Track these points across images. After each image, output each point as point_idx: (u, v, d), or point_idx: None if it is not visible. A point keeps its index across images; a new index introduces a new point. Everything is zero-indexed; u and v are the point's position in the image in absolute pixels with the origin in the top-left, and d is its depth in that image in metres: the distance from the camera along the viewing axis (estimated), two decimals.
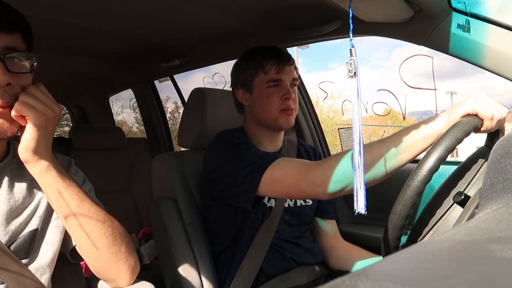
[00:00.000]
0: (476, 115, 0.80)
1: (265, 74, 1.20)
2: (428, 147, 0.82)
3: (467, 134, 0.76)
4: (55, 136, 2.70)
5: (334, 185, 0.90)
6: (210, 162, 1.19)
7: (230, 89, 1.32)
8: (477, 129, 0.80)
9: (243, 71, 1.25)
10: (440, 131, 0.81)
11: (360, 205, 0.72)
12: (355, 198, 0.73)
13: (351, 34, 0.72)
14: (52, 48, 1.69)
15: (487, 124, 0.80)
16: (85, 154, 2.25)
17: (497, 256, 0.24)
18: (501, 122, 0.82)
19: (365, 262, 1.24)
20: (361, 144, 0.72)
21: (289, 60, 1.22)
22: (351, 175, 0.83)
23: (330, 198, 0.95)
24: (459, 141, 0.75)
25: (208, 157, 1.20)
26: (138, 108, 2.52)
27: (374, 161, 0.87)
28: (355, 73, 0.70)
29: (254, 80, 1.22)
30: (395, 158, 0.86)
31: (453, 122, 0.79)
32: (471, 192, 0.78)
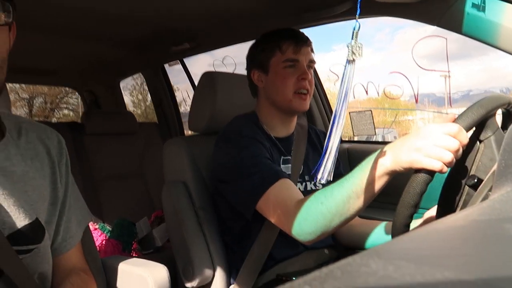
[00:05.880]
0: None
1: (282, 54, 1.19)
2: (384, 185, 0.82)
3: (424, 191, 0.74)
4: (67, 121, 2.70)
5: (309, 236, 0.95)
6: (217, 158, 1.19)
7: (238, 73, 1.32)
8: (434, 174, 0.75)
9: (260, 52, 1.24)
10: (388, 171, 0.80)
11: (324, 174, 0.72)
12: (322, 166, 0.72)
13: (357, 16, 0.70)
14: (63, 32, 1.69)
15: (444, 170, 0.73)
16: (98, 139, 2.28)
17: (511, 235, 0.23)
18: (458, 155, 0.74)
19: (379, 231, 1.23)
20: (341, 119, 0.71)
21: (307, 41, 1.22)
22: (323, 224, 0.90)
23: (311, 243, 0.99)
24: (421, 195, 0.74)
25: (216, 152, 1.20)
26: (134, 91, 2.52)
27: (339, 208, 0.87)
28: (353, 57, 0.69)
29: (271, 61, 1.21)
30: (357, 201, 0.85)
31: (399, 167, 0.77)
32: (477, 172, 0.77)
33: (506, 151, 0.48)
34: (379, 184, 0.82)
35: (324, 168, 0.72)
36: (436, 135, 0.73)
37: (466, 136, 0.74)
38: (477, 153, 0.80)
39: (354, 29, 0.70)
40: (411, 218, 0.76)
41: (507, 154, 0.47)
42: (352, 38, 0.70)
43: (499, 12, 0.87)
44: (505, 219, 0.27)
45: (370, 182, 0.82)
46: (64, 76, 2.64)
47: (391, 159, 0.78)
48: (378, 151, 0.82)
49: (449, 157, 0.71)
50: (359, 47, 0.70)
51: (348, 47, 0.70)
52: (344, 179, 0.87)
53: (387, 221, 1.25)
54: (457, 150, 0.72)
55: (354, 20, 0.70)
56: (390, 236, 1.20)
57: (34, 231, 0.76)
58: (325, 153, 0.71)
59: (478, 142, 0.81)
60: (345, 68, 0.71)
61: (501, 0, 0.87)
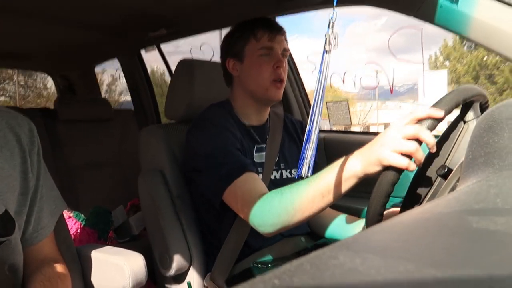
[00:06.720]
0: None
1: (257, 41, 1.19)
2: (350, 188, 0.84)
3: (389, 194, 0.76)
4: (40, 107, 2.63)
5: (270, 227, 0.97)
6: (189, 146, 1.20)
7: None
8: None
9: (235, 40, 1.24)
10: (358, 174, 0.81)
11: (305, 169, 0.73)
12: (304, 162, 0.73)
13: (334, 5, 0.70)
14: (36, 16, 1.64)
15: (411, 167, 0.75)
16: (72, 126, 2.23)
17: (472, 227, 0.24)
18: (433, 146, 0.75)
19: (349, 226, 1.26)
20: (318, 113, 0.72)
21: (281, 30, 1.23)
22: (285, 218, 0.93)
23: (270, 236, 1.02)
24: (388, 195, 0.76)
25: (189, 140, 1.20)
26: None
27: (303, 205, 0.89)
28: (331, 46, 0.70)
29: (245, 49, 1.21)
30: (321, 200, 0.87)
31: (369, 169, 0.79)
32: (451, 164, 0.80)
33: (473, 143, 0.50)
34: (346, 186, 0.83)
35: (307, 161, 0.72)
36: (397, 129, 0.76)
37: (428, 117, 0.75)
38: (460, 133, 0.83)
39: (331, 18, 0.70)
40: (384, 207, 0.79)
41: (475, 146, 0.49)
42: (328, 28, 0.70)
43: (472, 4, 0.89)
44: (468, 211, 0.28)
45: (338, 184, 0.84)
46: (36, 61, 2.56)
47: (361, 161, 0.80)
48: (348, 156, 0.84)
49: (414, 146, 0.73)
50: (335, 37, 0.70)
51: (325, 36, 0.70)
52: (312, 178, 0.88)
53: (361, 208, 1.28)
54: (419, 132, 0.73)
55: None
56: (347, 227, 1.24)
57: (3, 224, 0.74)
58: (306, 146, 0.72)
59: (462, 123, 0.84)
60: (322, 58, 0.71)
61: None
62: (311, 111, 0.72)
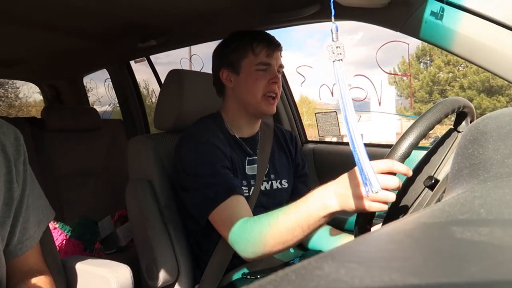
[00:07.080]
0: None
1: (255, 56, 1.19)
2: (328, 220, 0.85)
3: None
4: (26, 116, 2.60)
5: (252, 255, 0.98)
6: (177, 162, 1.19)
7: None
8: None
9: (231, 51, 1.23)
10: (335, 212, 0.82)
11: (374, 185, 0.70)
12: (364, 179, 0.71)
13: (332, 18, 0.71)
14: (24, 24, 1.63)
15: (387, 208, 0.78)
16: (60, 136, 2.20)
17: (456, 237, 0.25)
18: (409, 172, 0.76)
19: (332, 239, 1.27)
20: (354, 127, 0.71)
21: (278, 45, 1.23)
22: (266, 248, 0.93)
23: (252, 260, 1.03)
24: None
25: (177, 156, 1.19)
26: None
27: (283, 237, 0.90)
28: (339, 55, 0.70)
29: (243, 61, 1.20)
30: (301, 233, 0.88)
31: (346, 210, 0.80)
32: (440, 175, 0.81)
33: (459, 155, 0.51)
34: (323, 220, 0.84)
35: (368, 181, 0.70)
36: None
37: (400, 166, 0.75)
38: (453, 142, 0.84)
39: (331, 30, 0.71)
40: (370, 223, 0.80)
41: (460, 158, 0.50)
42: (333, 40, 0.71)
43: (456, 20, 0.91)
44: (452, 222, 0.29)
45: (316, 220, 0.84)
46: (23, 69, 2.54)
47: (339, 204, 0.80)
48: (323, 189, 0.84)
49: (393, 196, 0.75)
50: (339, 47, 0.70)
51: (327, 48, 0.71)
52: (291, 209, 0.89)
53: (344, 218, 1.28)
54: (398, 185, 0.75)
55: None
56: (330, 240, 1.26)
57: None
58: (359, 166, 0.70)
59: (456, 132, 0.85)
60: (334, 69, 0.71)
61: (460, 9, 0.91)
62: (346, 126, 0.69)
